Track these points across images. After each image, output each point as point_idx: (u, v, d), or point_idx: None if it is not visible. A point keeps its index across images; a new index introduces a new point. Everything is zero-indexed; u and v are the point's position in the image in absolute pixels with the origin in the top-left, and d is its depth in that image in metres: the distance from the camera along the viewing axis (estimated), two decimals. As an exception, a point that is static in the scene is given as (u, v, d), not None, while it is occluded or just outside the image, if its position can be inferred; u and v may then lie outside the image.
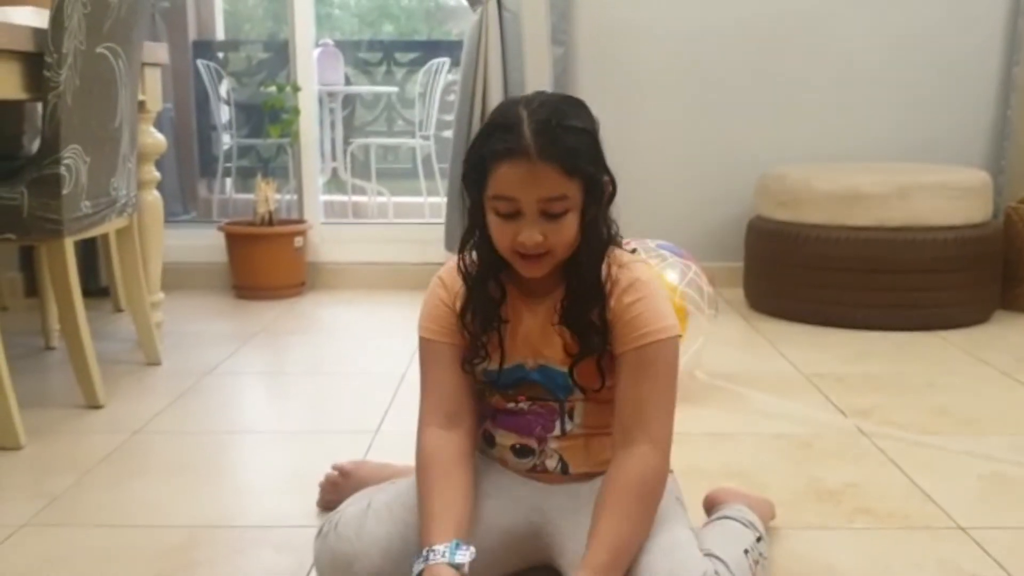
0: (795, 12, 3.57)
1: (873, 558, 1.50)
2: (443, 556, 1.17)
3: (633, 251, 1.34)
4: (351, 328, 3.19)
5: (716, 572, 1.18)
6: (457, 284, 1.33)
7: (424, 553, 1.18)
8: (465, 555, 1.18)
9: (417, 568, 1.17)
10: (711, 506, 1.53)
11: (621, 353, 1.27)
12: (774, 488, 1.76)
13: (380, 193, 5.60)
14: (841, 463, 1.92)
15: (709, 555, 1.22)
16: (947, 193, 3.02)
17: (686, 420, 2.11)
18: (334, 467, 1.69)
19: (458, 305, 1.32)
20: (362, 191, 5.64)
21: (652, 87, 3.62)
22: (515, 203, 1.20)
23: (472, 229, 1.29)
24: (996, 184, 3.28)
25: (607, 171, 1.26)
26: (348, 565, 1.25)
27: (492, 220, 1.23)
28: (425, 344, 1.35)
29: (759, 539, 1.35)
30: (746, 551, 1.28)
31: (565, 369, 1.31)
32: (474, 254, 1.31)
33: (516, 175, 1.19)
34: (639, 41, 3.60)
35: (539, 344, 1.31)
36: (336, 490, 1.65)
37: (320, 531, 1.32)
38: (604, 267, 1.28)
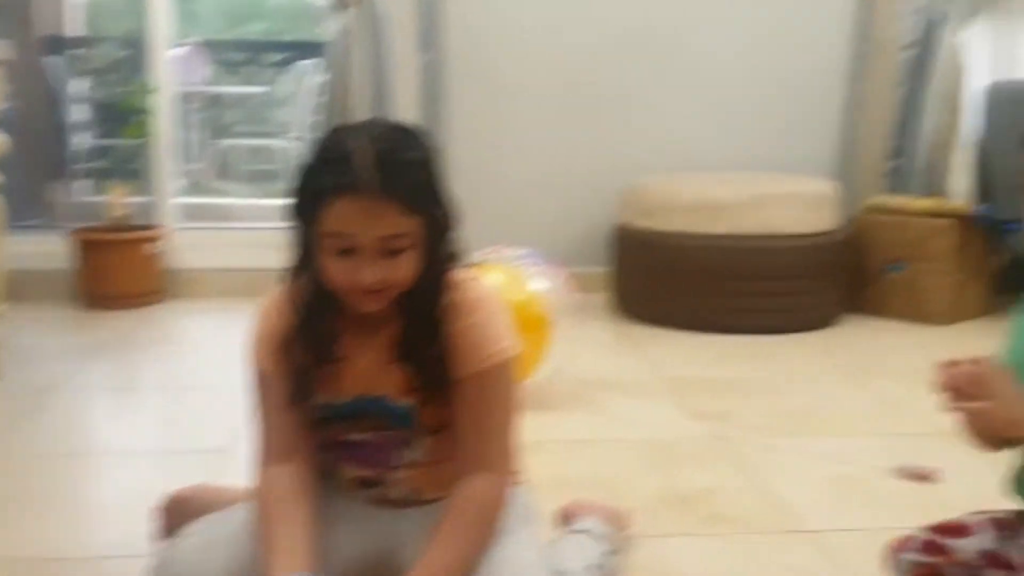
0: (657, 26, 3.65)
1: (725, 564, 1.54)
2: None
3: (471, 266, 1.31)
4: (208, 339, 3.09)
5: (563, 591, 1.18)
6: (282, 316, 1.25)
7: None
8: None
9: None
10: (566, 519, 1.53)
11: (459, 379, 1.23)
12: (633, 496, 1.78)
13: (247, 196, 5.45)
14: (698, 468, 1.96)
15: (558, 573, 1.21)
16: (799, 202, 3.14)
17: (549, 428, 2.14)
18: (170, 495, 1.61)
19: (288, 339, 1.25)
20: (227, 194, 5.48)
21: (520, 95, 3.63)
22: (352, 240, 1.13)
23: (303, 262, 1.21)
24: (843, 193, 3.42)
25: (446, 203, 1.21)
26: None
27: (327, 260, 1.15)
28: (257, 377, 1.28)
29: (611, 552, 1.36)
30: (598, 565, 1.28)
31: (406, 403, 1.25)
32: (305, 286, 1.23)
33: (353, 212, 1.11)
34: (509, 49, 3.61)
35: (376, 379, 1.25)
36: (171, 517, 1.57)
37: (155, 563, 1.24)
38: (442, 298, 1.23)
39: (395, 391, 1.25)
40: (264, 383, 1.27)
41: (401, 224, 1.13)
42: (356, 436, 1.30)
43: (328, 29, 3.48)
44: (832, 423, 2.26)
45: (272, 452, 1.26)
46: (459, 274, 1.25)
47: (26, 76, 5.04)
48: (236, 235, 3.98)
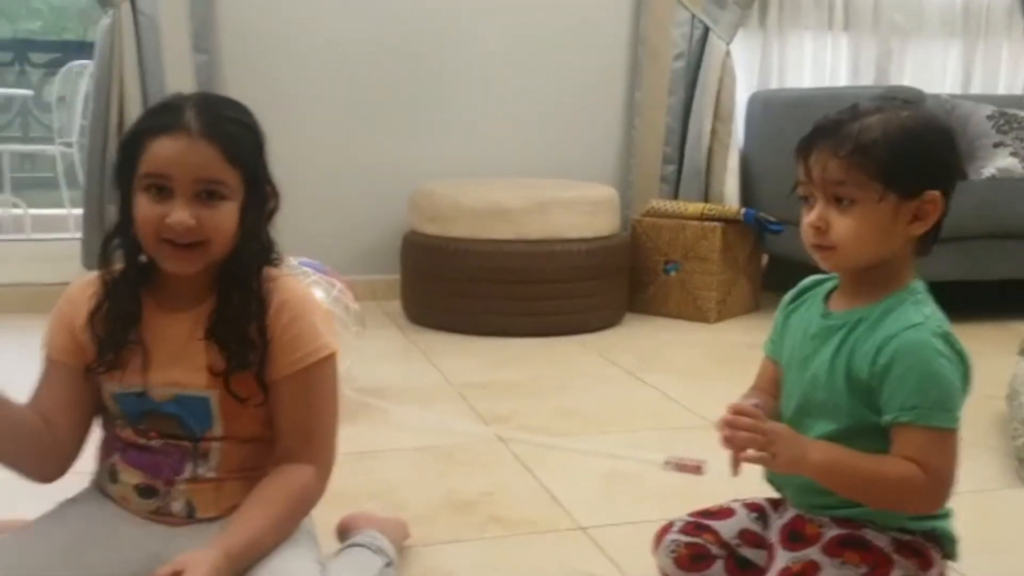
0: (438, 28, 3.68)
1: (498, 566, 1.57)
2: None
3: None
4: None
5: (339, 606, 1.17)
6: (84, 298, 1.23)
7: None
8: None
9: None
10: (343, 532, 1.52)
11: (281, 377, 1.22)
12: (414, 504, 1.79)
13: (16, 205, 5.08)
14: (479, 472, 1.98)
15: (335, 588, 1.20)
16: (581, 208, 3.25)
17: (329, 441, 2.10)
18: None
19: (80, 322, 1.22)
20: (-4, 203, 5.09)
21: (303, 98, 3.57)
22: (167, 180, 1.14)
23: (119, 226, 1.20)
24: (623, 199, 3.58)
25: (269, 178, 1.23)
26: None
27: (140, 202, 1.15)
28: (46, 361, 1.26)
29: (388, 564, 1.36)
30: (375, 577, 1.28)
31: (206, 394, 1.22)
32: (119, 262, 1.22)
33: (171, 150, 1.14)
34: (287, 52, 3.54)
35: (179, 363, 1.22)
36: None
37: None
38: (258, 283, 1.22)
39: (199, 380, 1.21)
40: (47, 367, 1.25)
41: (219, 170, 1.15)
42: (147, 441, 1.25)
43: (97, 29, 3.30)
44: (610, 420, 2.35)
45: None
46: (274, 270, 1.25)
47: None
48: (6, 248, 3.71)
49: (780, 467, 1.18)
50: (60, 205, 5.11)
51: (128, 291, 1.21)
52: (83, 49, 5.94)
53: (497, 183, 3.45)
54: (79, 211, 4.84)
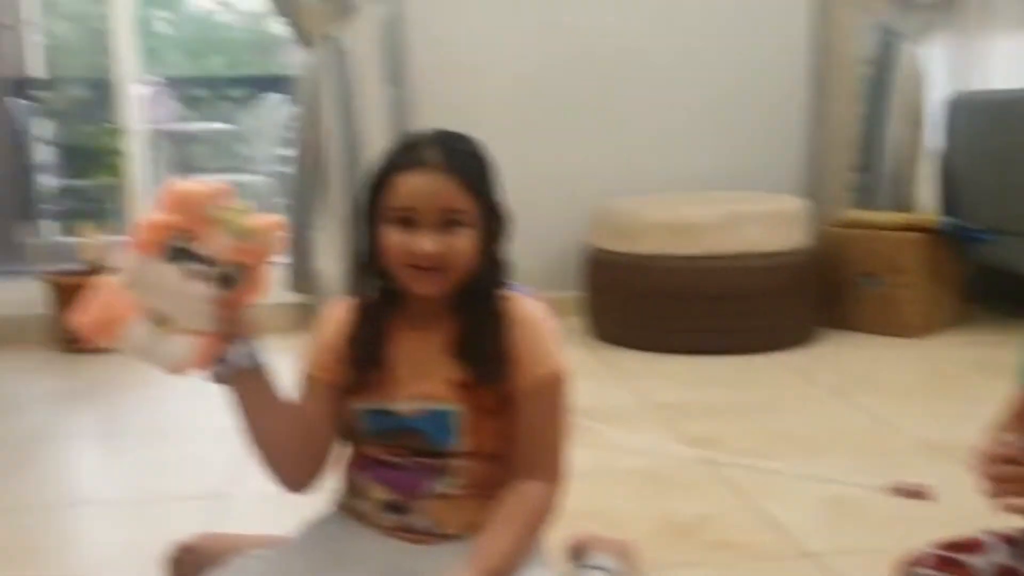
0: (617, 45, 3.70)
1: (730, 592, 1.55)
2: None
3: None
4: (190, 379, 3.05)
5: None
6: (340, 320, 1.33)
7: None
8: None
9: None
10: (573, 553, 1.54)
11: (520, 392, 1.28)
12: (631, 525, 1.79)
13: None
14: (692, 495, 1.97)
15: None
16: (769, 221, 3.18)
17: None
18: (177, 545, 1.60)
19: (340, 343, 1.31)
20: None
21: (487, 122, 3.60)
22: (412, 212, 1.22)
23: (366, 257, 1.29)
24: (812, 209, 3.48)
25: (502, 206, 1.30)
26: None
27: (389, 233, 1.24)
28: (303, 380, 1.35)
29: (623, 587, 1.37)
30: (614, 602, 1.30)
31: (451, 407, 1.28)
32: (367, 287, 1.31)
33: (415, 185, 1.22)
34: (473, 78, 3.64)
35: (426, 378, 1.29)
36: (183, 568, 1.56)
37: None
38: (496, 302, 1.29)
39: (446, 394, 1.28)
40: (307, 386, 1.33)
41: (460, 200, 1.23)
42: (391, 457, 1.32)
43: (293, 63, 3.49)
44: (820, 442, 2.29)
45: None
46: (510, 291, 1.32)
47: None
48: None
49: None
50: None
51: (377, 313, 1.31)
52: (273, 83, 6.28)
53: (682, 198, 3.43)
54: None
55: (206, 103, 6.09)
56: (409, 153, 1.25)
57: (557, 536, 1.57)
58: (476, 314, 1.28)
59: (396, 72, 3.48)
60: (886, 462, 2.11)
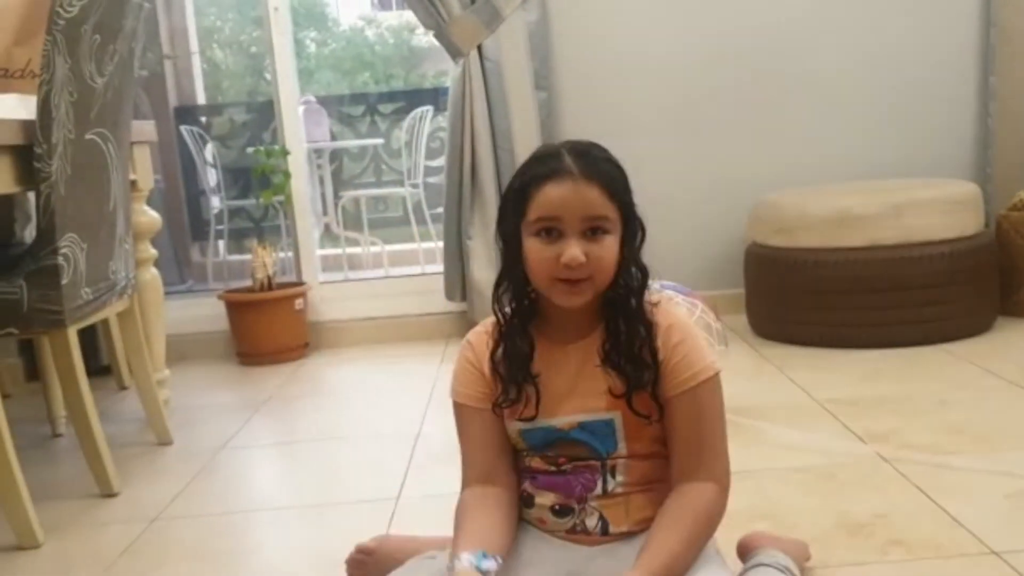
0: (773, 37, 3.61)
1: (911, 593, 1.49)
2: (468, 563, 1.18)
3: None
4: (359, 387, 3.18)
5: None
6: (484, 345, 1.35)
7: (450, 563, 1.20)
8: (491, 564, 1.20)
9: None
10: (744, 552, 1.52)
11: (674, 396, 1.29)
12: (803, 525, 1.75)
13: (373, 243, 5.61)
14: (866, 493, 1.91)
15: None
16: (939, 207, 3.04)
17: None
18: (357, 548, 1.67)
19: (486, 367, 1.34)
20: (355, 243, 5.66)
21: (637, 123, 3.64)
22: (557, 222, 1.24)
23: (506, 273, 1.31)
24: (984, 193, 3.30)
25: (638, 211, 1.31)
26: None
27: (532, 247, 1.25)
28: (458, 409, 1.38)
29: (797, 584, 1.35)
30: (785, 599, 1.27)
31: (609, 416, 1.30)
32: (508, 304, 1.33)
33: (559, 194, 1.23)
34: (621, 78, 3.63)
35: (579, 392, 1.31)
36: (363, 569, 1.63)
37: None
38: (642, 308, 1.30)
39: (599, 404, 1.30)
40: (464, 414, 1.37)
41: (602, 206, 1.24)
42: (552, 467, 1.35)
43: (436, 68, 3.57)
44: (1002, 436, 2.17)
45: (474, 478, 1.35)
46: (654, 296, 1.33)
47: (163, 147, 5.35)
48: (373, 286, 4.11)
49: None
50: (410, 240, 5.58)
51: (521, 330, 1.32)
52: (422, 96, 6.46)
53: (844, 188, 3.32)
54: (427, 245, 5.28)
55: (359, 119, 6.33)
56: (548, 163, 1.26)
57: (728, 537, 1.56)
58: (622, 321, 1.29)
59: (543, 77, 3.51)
60: (1078, 457, 1.98)
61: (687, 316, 1.35)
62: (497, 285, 1.34)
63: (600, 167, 1.26)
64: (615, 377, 1.29)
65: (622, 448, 1.32)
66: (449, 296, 3.59)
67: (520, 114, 3.47)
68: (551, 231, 1.24)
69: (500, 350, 1.33)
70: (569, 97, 3.61)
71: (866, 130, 3.64)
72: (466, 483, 1.36)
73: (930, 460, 2.04)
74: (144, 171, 2.81)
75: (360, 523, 1.88)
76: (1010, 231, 3.22)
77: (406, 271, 4.74)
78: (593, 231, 1.25)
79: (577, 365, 1.31)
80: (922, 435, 2.20)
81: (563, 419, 1.32)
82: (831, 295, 3.05)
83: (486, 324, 1.38)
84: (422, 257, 5.21)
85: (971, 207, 3.12)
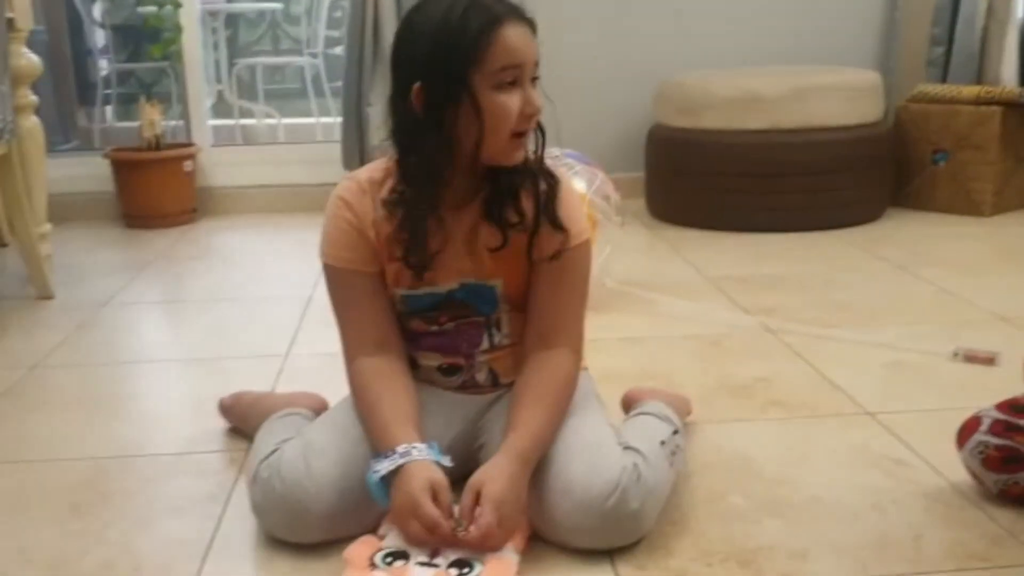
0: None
1: (787, 445, 1.54)
2: (426, 454, 1.15)
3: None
4: (250, 253, 3.10)
5: (635, 464, 1.19)
6: (365, 206, 1.25)
7: (402, 449, 1.14)
8: (448, 459, 1.17)
9: (388, 466, 1.14)
10: (629, 404, 1.54)
11: (542, 258, 1.26)
12: (687, 387, 1.79)
13: (269, 115, 5.41)
14: (750, 359, 1.96)
15: (628, 448, 1.23)
16: (840, 94, 3.07)
17: (598, 327, 2.12)
18: (220, 401, 1.64)
19: (370, 230, 1.24)
20: (250, 114, 5.44)
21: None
22: (521, 68, 1.17)
23: (429, 143, 1.18)
24: (886, 84, 3.34)
25: None
26: (304, 510, 1.18)
27: (497, 100, 1.16)
28: (335, 274, 1.28)
29: (675, 432, 1.37)
30: (663, 442, 1.30)
31: (492, 283, 1.28)
32: (420, 178, 1.21)
33: (519, 36, 1.16)
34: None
35: (466, 256, 1.27)
36: (230, 416, 1.62)
37: (255, 476, 1.24)
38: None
39: (482, 269, 1.27)
40: (344, 279, 1.28)
41: (537, 52, 1.19)
42: (435, 327, 1.31)
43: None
44: (885, 313, 2.25)
45: (364, 349, 1.27)
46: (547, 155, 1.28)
47: (48, 1, 4.99)
48: (266, 152, 3.97)
49: None
50: (308, 114, 5.39)
51: (430, 201, 1.21)
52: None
53: (749, 71, 3.32)
54: (326, 120, 5.11)
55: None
56: (491, 6, 1.15)
57: (616, 392, 1.58)
58: (511, 177, 1.23)
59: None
60: (950, 331, 2.06)
61: (567, 179, 1.31)
62: (405, 158, 1.21)
63: (526, 9, 1.20)
64: (497, 232, 1.24)
65: (504, 305, 1.31)
66: (347, 165, 3.50)
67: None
68: (514, 80, 1.16)
69: (400, 222, 1.22)
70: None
71: (775, 15, 3.62)
72: (356, 352, 1.28)
73: (813, 332, 2.10)
74: (22, 9, 2.60)
75: (246, 378, 1.84)
76: (908, 122, 3.29)
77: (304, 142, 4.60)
78: (533, 78, 1.19)
79: (465, 229, 1.26)
80: (807, 310, 2.27)
81: (448, 284, 1.28)
82: (731, 178, 3.07)
83: (359, 181, 1.27)
84: (320, 132, 5.04)
85: (872, 96, 3.16)
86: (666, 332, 2.15)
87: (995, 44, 3.42)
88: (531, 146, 1.25)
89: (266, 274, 2.79)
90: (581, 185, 2.29)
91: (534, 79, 1.19)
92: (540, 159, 1.26)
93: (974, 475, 1.35)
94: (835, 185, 3.05)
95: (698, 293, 2.44)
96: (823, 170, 3.03)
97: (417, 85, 1.17)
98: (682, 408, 1.57)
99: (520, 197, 1.24)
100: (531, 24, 1.19)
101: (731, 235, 3.04)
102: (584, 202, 2.24)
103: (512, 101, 1.16)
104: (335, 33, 5.49)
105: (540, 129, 1.25)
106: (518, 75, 1.16)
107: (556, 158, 2.34)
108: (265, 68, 5.67)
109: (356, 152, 3.47)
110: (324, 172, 3.57)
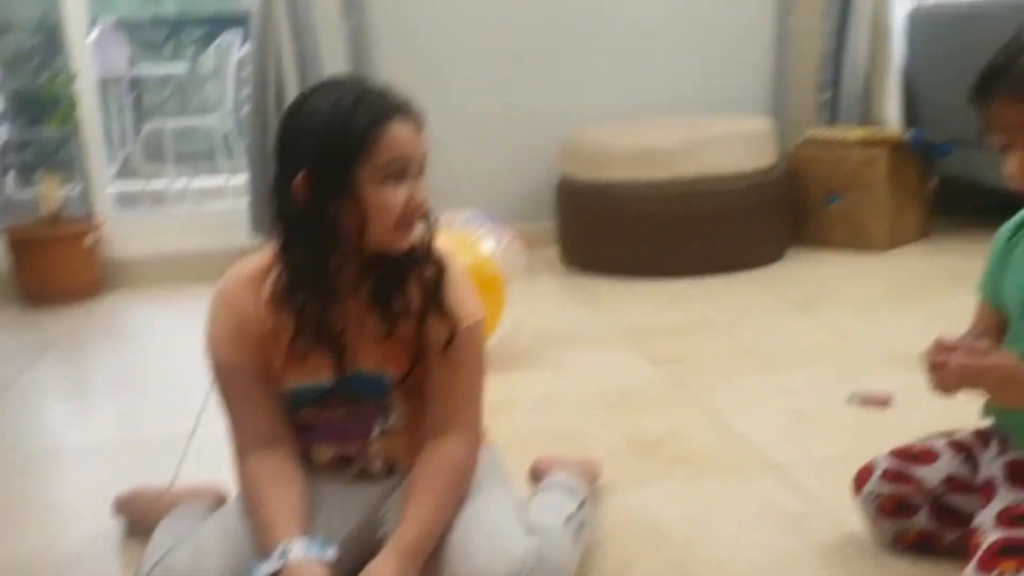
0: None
1: (693, 505, 1.57)
2: (307, 551, 1.13)
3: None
4: (155, 329, 3.04)
5: (538, 547, 1.19)
6: (249, 300, 1.23)
7: (280, 549, 1.13)
8: (331, 552, 1.15)
9: (267, 569, 1.12)
10: (537, 474, 1.55)
11: (436, 341, 1.25)
12: (597, 447, 1.81)
13: (179, 177, 5.34)
14: (658, 413, 1.99)
15: (532, 530, 1.23)
16: (735, 142, 3.17)
17: (511, 386, 2.15)
18: (116, 498, 1.59)
19: (254, 321, 1.22)
20: (159, 177, 5.36)
21: (450, 55, 3.59)
22: (408, 161, 1.18)
23: (313, 233, 1.18)
24: (779, 129, 3.45)
25: None
26: None
27: (382, 193, 1.16)
28: (221, 370, 1.26)
29: (582, 504, 1.38)
30: (568, 519, 1.30)
31: (387, 371, 1.27)
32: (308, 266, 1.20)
33: (407, 131, 1.18)
34: (435, 8, 3.56)
35: (357, 348, 1.25)
36: (130, 514, 1.57)
37: (142, 573, 1.22)
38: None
39: (375, 362, 1.26)
40: (232, 375, 1.25)
41: (425, 144, 1.21)
42: (326, 417, 1.30)
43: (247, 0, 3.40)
44: (786, 357, 2.31)
45: (254, 446, 1.25)
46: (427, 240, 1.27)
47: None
48: (173, 220, 3.91)
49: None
50: (220, 175, 5.33)
51: (327, 293, 1.20)
52: (230, 22, 6.13)
53: (648, 124, 3.40)
54: (239, 180, 5.06)
55: (161, 45, 5.97)
56: (384, 101, 1.18)
57: (522, 460, 1.58)
58: (397, 264, 1.23)
59: (353, 3, 3.39)
60: (848, 373, 2.13)
61: (454, 260, 1.31)
62: (290, 247, 1.19)
63: (413, 103, 1.21)
64: (384, 321, 1.24)
65: (395, 390, 1.29)
66: (256, 228, 3.46)
67: (328, 40, 3.35)
68: (401, 174, 1.17)
69: (295, 312, 1.20)
70: (381, 24, 3.50)
71: (671, 66, 3.72)
72: (245, 450, 1.25)
73: (718, 381, 2.14)
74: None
75: (149, 465, 1.80)
76: (800, 166, 3.39)
77: (217, 206, 4.54)
78: (421, 172, 1.21)
79: (350, 319, 1.24)
80: (715, 357, 2.31)
81: (338, 377, 1.26)
82: (636, 227, 3.13)
83: (242, 273, 1.25)
84: (232, 193, 4.99)
85: (765, 142, 3.27)
86: (577, 388, 2.17)
87: (878, 87, 3.57)
88: (420, 232, 1.25)
89: (172, 351, 2.72)
90: (489, 245, 2.31)
91: (420, 172, 1.21)
92: (428, 246, 1.26)
93: (870, 523, 1.39)
94: (736, 230, 3.14)
95: (610, 344, 2.47)
96: (723, 216, 3.11)
97: (301, 174, 1.17)
98: (591, 474, 1.58)
99: (407, 285, 1.24)
100: (419, 119, 1.21)
101: (643, 282, 3.08)
102: (492, 263, 2.27)
103: (397, 195, 1.18)
104: (244, 93, 5.46)
105: (428, 217, 1.26)
106: (404, 169, 1.18)
107: (464, 220, 2.37)
108: (174, 130, 5.61)
109: (264, 217, 3.45)
110: (235, 237, 3.53)
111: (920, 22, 3.57)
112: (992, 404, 1.27)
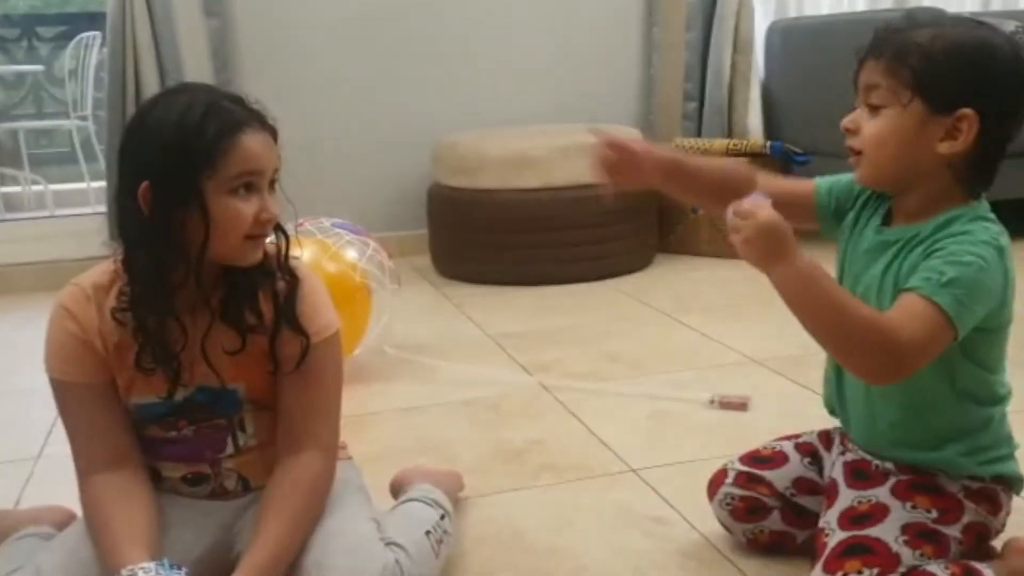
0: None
1: (556, 512, 1.58)
2: (153, 574, 1.08)
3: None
4: (3, 343, 2.88)
5: (397, 562, 1.18)
6: (89, 314, 1.18)
7: (126, 573, 1.07)
8: (180, 573, 1.10)
9: None
10: (397, 488, 1.53)
11: (284, 365, 1.22)
12: (465, 456, 1.80)
13: (36, 182, 5.08)
14: (526, 422, 1.99)
15: (391, 544, 1.21)
16: (604, 151, 3.21)
17: (377, 398, 2.13)
18: None
19: (96, 339, 1.18)
20: (14, 181, 5.10)
21: (317, 59, 3.53)
22: (259, 174, 1.15)
23: (155, 243, 1.13)
24: (647, 138, 3.52)
25: None
26: None
27: (230, 205, 1.13)
28: (62, 387, 1.20)
29: (443, 516, 1.37)
30: (428, 532, 1.29)
31: (238, 385, 1.23)
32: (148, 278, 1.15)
33: (258, 143, 1.14)
34: (300, 9, 3.49)
35: (200, 361, 1.20)
36: None
37: None
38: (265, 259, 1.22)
39: (225, 375, 1.21)
40: (73, 393, 1.20)
41: (279, 158, 1.18)
42: (172, 433, 1.25)
43: (106, -1, 3.27)
44: (651, 362, 2.35)
45: (97, 466, 1.19)
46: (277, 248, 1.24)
47: None
48: (25, 227, 3.73)
49: (750, 256, 1.11)
50: (80, 179, 5.11)
51: (165, 304, 1.16)
52: (91, 20, 5.89)
53: (518, 131, 3.41)
54: (99, 183, 4.86)
55: (16, 44, 5.68)
56: (235, 111, 1.14)
57: (386, 473, 1.56)
58: (248, 277, 1.21)
59: (215, 2, 3.30)
60: (709, 376, 2.19)
61: (309, 272, 1.28)
62: (132, 259, 1.15)
63: (267, 114, 1.18)
64: (236, 337, 1.20)
65: (248, 405, 1.26)
66: (113, 235, 3.32)
67: (189, 41, 3.25)
68: (251, 186, 1.14)
69: (136, 329, 1.16)
70: (245, 25, 3.42)
71: (541, 75, 3.76)
72: (88, 470, 1.19)
73: (585, 387, 2.16)
74: None
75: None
76: (667, 174, 3.47)
77: (75, 212, 4.34)
78: (272, 183, 1.17)
79: (199, 333, 1.19)
80: (581, 364, 2.34)
81: (184, 390, 1.21)
82: (507, 234, 3.15)
83: (82, 287, 1.20)
84: (93, 197, 4.78)
85: (633, 151, 3.32)
86: (444, 398, 2.15)
87: (741, 98, 3.69)
88: (272, 245, 1.22)
89: (21, 366, 2.59)
90: (353, 254, 2.28)
91: (272, 183, 1.18)
92: (282, 258, 1.23)
93: (724, 526, 1.42)
94: (605, 237, 3.19)
95: (479, 353, 2.47)
96: (592, 223, 3.16)
97: (145, 184, 1.12)
98: (453, 486, 1.57)
99: (258, 298, 1.21)
100: (273, 130, 1.17)
101: (514, 289, 3.11)
102: (356, 272, 2.23)
103: (247, 207, 1.14)
104: (103, 94, 5.25)
105: (283, 230, 1.23)
106: (255, 181, 1.15)
107: (325, 229, 2.33)
108: (29, 132, 5.34)
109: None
110: (94, 245, 3.37)
111: (777, 36, 3.72)
112: (830, 396, 1.33)
